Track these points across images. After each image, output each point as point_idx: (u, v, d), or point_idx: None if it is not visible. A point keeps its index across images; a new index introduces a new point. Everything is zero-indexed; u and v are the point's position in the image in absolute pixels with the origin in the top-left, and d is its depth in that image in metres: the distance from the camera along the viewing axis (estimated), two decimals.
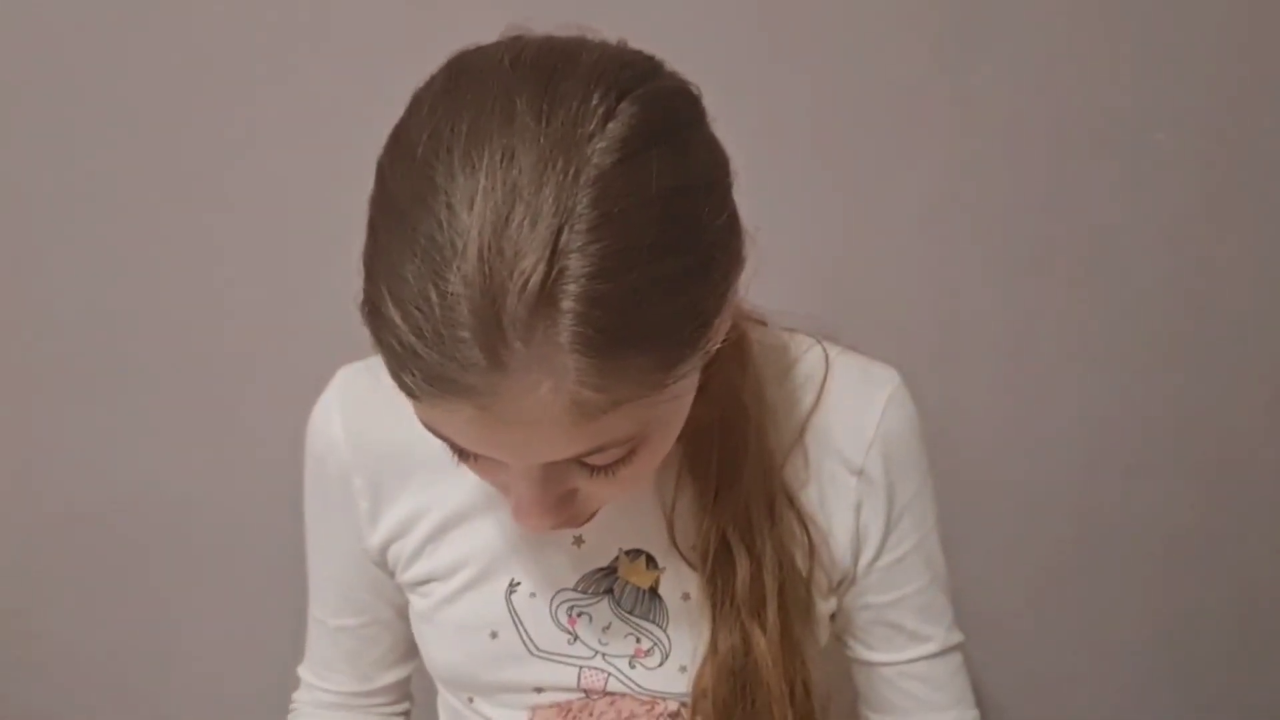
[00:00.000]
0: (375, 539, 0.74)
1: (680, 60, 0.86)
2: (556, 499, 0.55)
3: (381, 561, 0.75)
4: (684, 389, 0.54)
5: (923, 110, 1.04)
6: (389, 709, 0.85)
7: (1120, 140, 1.06)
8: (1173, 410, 1.16)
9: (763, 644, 0.67)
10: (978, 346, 1.12)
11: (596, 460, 0.52)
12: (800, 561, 0.69)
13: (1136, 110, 1.05)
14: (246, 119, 1.02)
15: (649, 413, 0.51)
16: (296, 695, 0.85)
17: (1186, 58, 1.04)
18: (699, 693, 0.70)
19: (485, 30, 0.55)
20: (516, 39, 0.52)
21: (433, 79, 0.51)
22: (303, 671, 0.85)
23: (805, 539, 0.70)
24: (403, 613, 0.79)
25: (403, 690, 0.86)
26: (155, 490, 1.15)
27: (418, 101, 0.51)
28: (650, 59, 0.54)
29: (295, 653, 0.85)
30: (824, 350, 0.72)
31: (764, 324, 0.74)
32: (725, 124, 1.00)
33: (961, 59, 1.03)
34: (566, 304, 0.44)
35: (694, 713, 0.70)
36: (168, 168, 1.03)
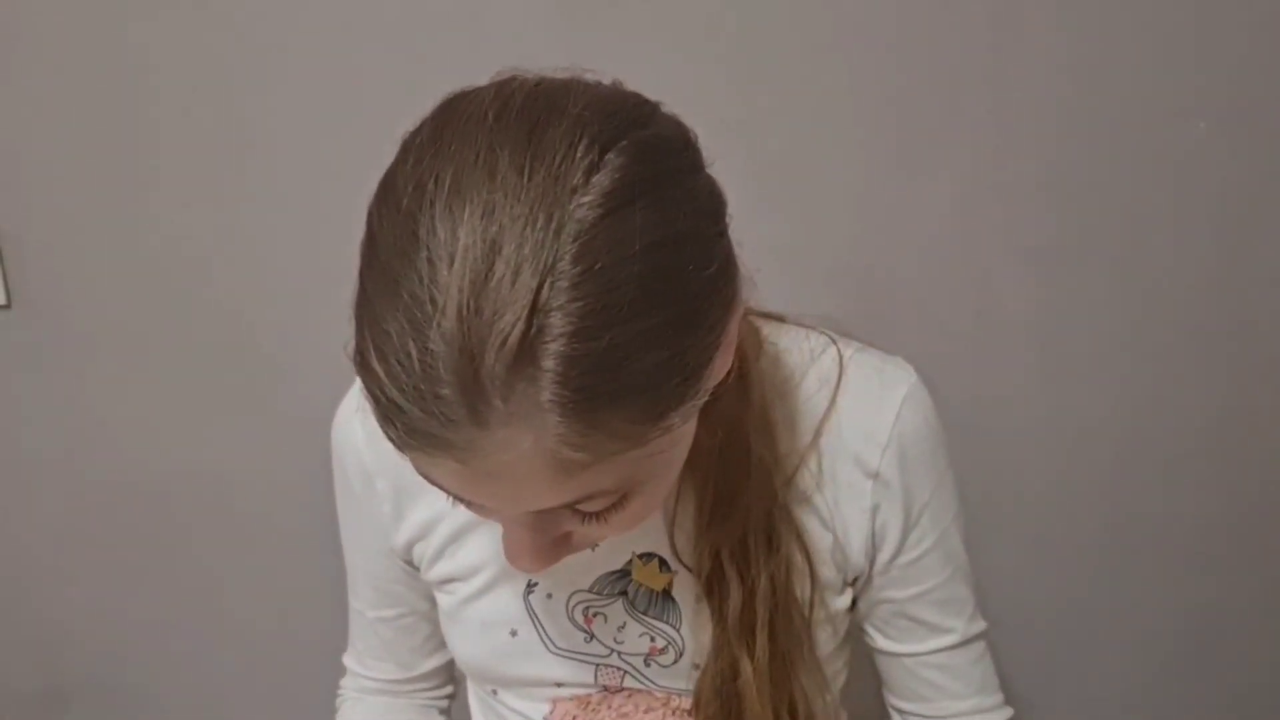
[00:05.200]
0: (400, 539, 0.77)
1: (713, 52, 0.84)
2: (550, 543, 0.56)
3: (408, 559, 0.78)
4: (674, 439, 0.53)
5: (957, 99, 1.02)
6: (433, 693, 0.89)
7: (1160, 130, 1.02)
8: (1206, 405, 1.13)
9: (749, 671, 0.68)
10: (1010, 339, 1.10)
11: (586, 508, 0.52)
12: (799, 590, 0.70)
13: (1178, 99, 1.01)
14: (290, 110, 1.04)
15: (635, 466, 0.51)
16: (343, 682, 0.89)
17: (1230, 45, 1.00)
18: (697, 696, 0.71)
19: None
20: (506, 83, 0.51)
21: (421, 126, 0.51)
22: (347, 659, 0.89)
23: (806, 567, 0.70)
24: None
25: (446, 675, 0.89)
26: (199, 465, 1.19)
27: (405, 150, 0.50)
28: (643, 104, 0.53)
29: (334, 624, 0.89)
30: (839, 351, 0.72)
31: (782, 320, 0.74)
32: (757, 117, 0.99)
33: (996, 46, 1.00)
34: (547, 362, 0.44)
35: (698, 711, 0.72)
36: (214, 156, 1.07)
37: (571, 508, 0.52)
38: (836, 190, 1.05)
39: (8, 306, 1.14)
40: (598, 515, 0.53)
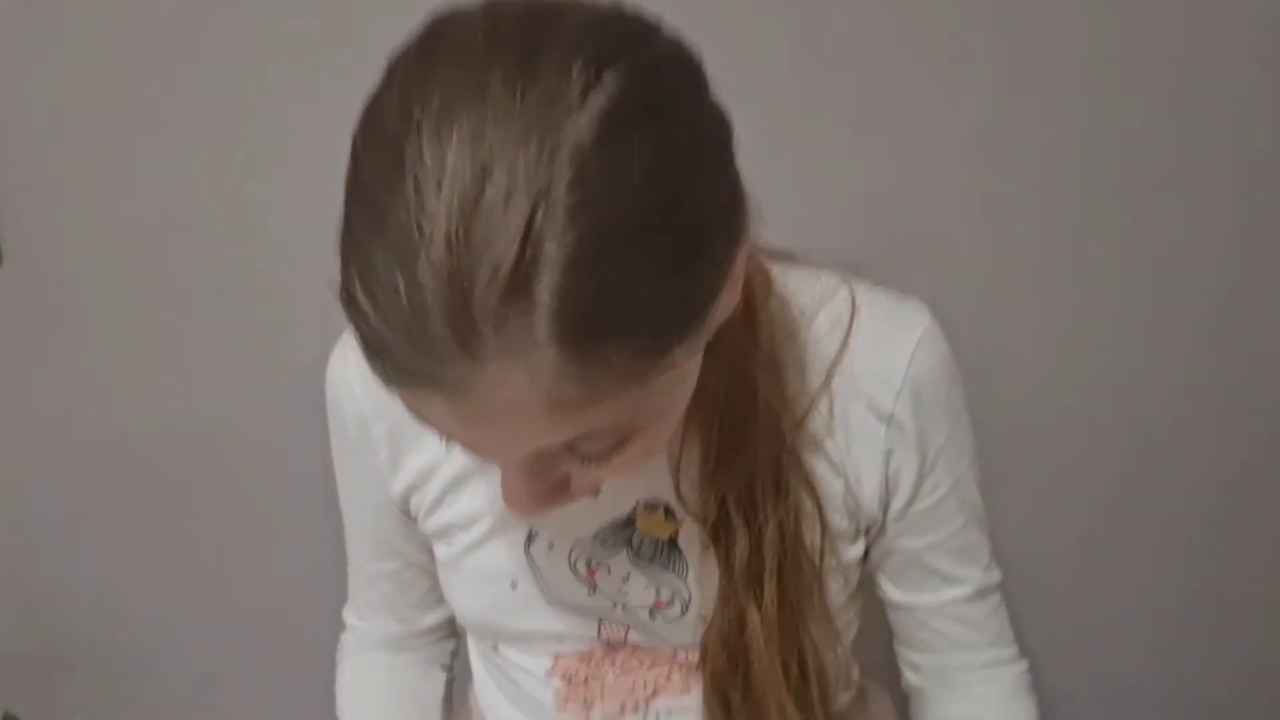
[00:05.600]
0: (397, 487, 0.74)
1: None
2: (548, 487, 0.54)
3: (405, 509, 0.76)
4: (678, 378, 0.51)
5: (973, 45, 0.99)
6: (435, 648, 0.88)
7: (1182, 80, 0.99)
8: (1225, 365, 1.10)
9: (756, 622, 0.66)
10: (1025, 291, 1.08)
11: (585, 449, 0.50)
12: (808, 538, 0.67)
13: (1199, 50, 0.98)
14: (289, 57, 1.02)
15: (638, 404, 0.48)
16: (343, 637, 0.88)
17: None
18: (704, 649, 0.69)
19: None
20: (497, 1, 0.48)
21: (407, 48, 0.48)
22: (347, 614, 0.87)
23: (816, 514, 0.67)
24: None
25: (448, 630, 0.87)
26: (196, 424, 1.18)
27: (390, 74, 0.47)
28: (643, 22, 0.49)
29: (335, 584, 0.87)
30: (851, 291, 0.69)
31: (792, 259, 0.71)
32: (771, 57, 0.95)
33: None
34: (541, 294, 0.41)
35: (704, 665, 0.70)
36: (206, 111, 1.04)
37: (569, 449, 0.50)
38: (849, 136, 1.02)
39: (0, 264, 1.12)
40: (597, 458, 0.51)
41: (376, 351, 0.45)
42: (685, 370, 0.53)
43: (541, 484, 0.53)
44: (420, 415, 0.49)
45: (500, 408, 0.45)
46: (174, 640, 1.29)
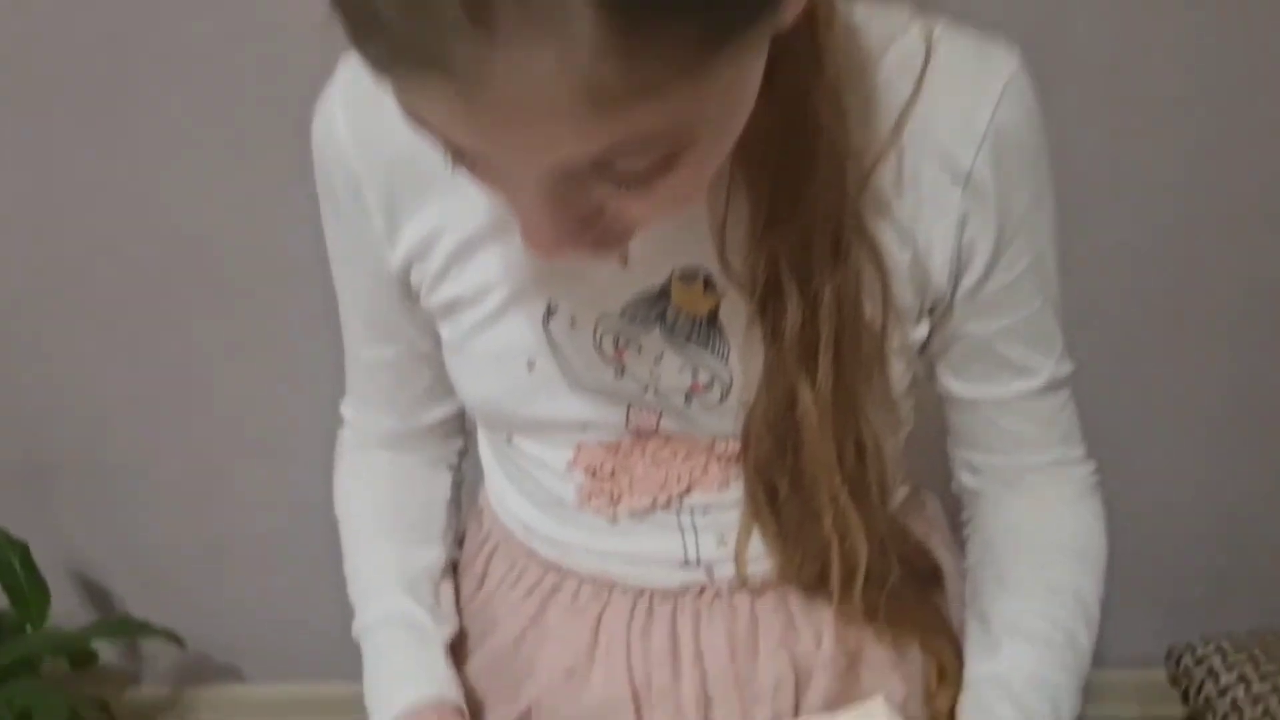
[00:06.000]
0: (395, 259, 0.65)
1: None
2: (576, 219, 0.44)
3: (405, 284, 0.66)
4: (739, 79, 0.43)
5: None
6: (441, 446, 0.80)
7: None
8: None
9: (808, 399, 0.58)
10: (1081, 73, 1.02)
11: (624, 166, 0.41)
12: (869, 308, 0.59)
13: None
14: None
15: (691, 106, 0.40)
16: (341, 434, 0.80)
17: None
18: (746, 434, 0.62)
19: None
20: None
21: None
22: (344, 409, 0.79)
23: (879, 284, 0.58)
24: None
25: (454, 426, 0.79)
26: (185, 230, 1.13)
27: None
28: None
29: (327, 374, 0.81)
30: (925, 28, 0.58)
31: None
32: None
33: None
34: None
35: (746, 453, 0.62)
36: None
37: (603, 168, 0.41)
38: None
39: None
40: (637, 180, 0.42)
41: (366, 30, 0.36)
42: (747, 74, 0.43)
43: (569, 215, 0.44)
44: (419, 115, 0.40)
45: (521, 99, 0.36)
46: (163, 446, 1.26)
